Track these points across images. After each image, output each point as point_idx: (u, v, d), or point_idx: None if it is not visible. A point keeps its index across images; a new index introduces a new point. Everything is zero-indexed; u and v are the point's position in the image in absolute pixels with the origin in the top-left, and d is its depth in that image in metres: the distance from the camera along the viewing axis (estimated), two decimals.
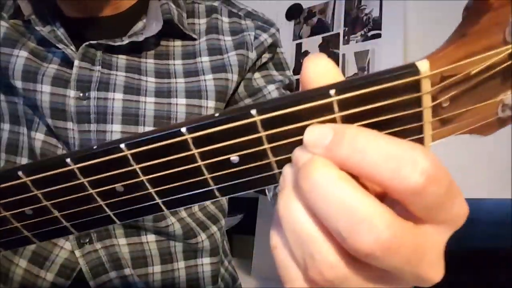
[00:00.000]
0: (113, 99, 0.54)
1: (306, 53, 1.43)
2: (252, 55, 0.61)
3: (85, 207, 0.25)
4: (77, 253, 0.55)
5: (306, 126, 0.21)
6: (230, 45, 0.61)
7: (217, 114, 0.21)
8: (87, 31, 0.58)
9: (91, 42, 0.54)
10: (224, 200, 0.70)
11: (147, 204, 0.25)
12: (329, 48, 1.39)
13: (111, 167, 0.23)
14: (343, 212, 0.18)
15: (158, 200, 0.24)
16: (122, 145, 0.22)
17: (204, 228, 0.64)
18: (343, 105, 0.20)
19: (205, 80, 0.59)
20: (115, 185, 0.24)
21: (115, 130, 0.54)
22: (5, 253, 0.55)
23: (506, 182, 1.07)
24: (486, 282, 1.04)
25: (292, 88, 0.68)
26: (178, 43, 0.61)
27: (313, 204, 0.19)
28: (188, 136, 0.22)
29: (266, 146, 0.22)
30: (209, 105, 0.58)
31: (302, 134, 0.21)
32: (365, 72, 1.30)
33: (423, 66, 0.20)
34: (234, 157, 0.22)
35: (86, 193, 0.24)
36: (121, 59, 0.57)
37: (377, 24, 1.31)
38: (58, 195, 0.25)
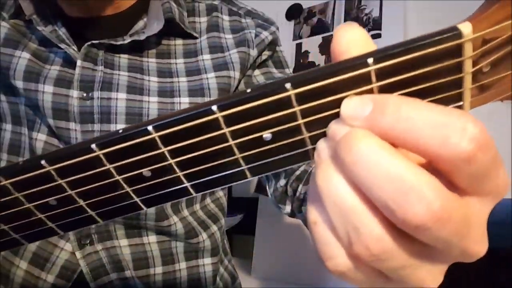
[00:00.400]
0: (117, 99, 0.54)
1: (306, 53, 1.43)
2: (253, 52, 0.62)
3: (111, 195, 0.24)
4: (78, 254, 0.54)
5: (342, 99, 0.20)
6: (231, 43, 0.62)
7: (249, 90, 0.20)
8: (88, 30, 0.58)
9: (93, 41, 0.54)
10: (224, 199, 0.70)
11: (175, 188, 0.24)
12: (329, 48, 1.40)
13: (138, 151, 0.22)
14: (390, 183, 0.17)
15: (187, 184, 0.23)
16: (150, 127, 0.21)
17: (205, 228, 0.64)
18: (381, 74, 0.19)
19: (207, 78, 0.59)
20: (142, 170, 0.23)
21: None
22: (5, 254, 0.55)
23: None
24: (486, 282, 1.04)
25: None
26: (179, 41, 0.61)
27: (356, 176, 0.18)
28: (219, 115, 0.21)
29: (300, 121, 0.21)
30: None
31: (337, 107, 0.20)
32: None
33: (466, 29, 0.18)
34: (266, 135, 0.21)
35: (112, 180, 0.23)
36: (123, 59, 0.57)
37: (377, 24, 1.31)
38: (83, 183, 0.24)
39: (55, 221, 0.26)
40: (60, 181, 0.24)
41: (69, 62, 0.55)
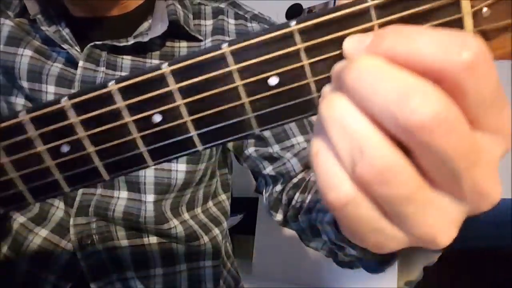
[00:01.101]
0: None
1: None
2: None
3: (120, 141, 0.24)
4: (79, 254, 0.54)
5: (344, 38, 0.20)
6: None
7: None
8: (92, 31, 0.58)
9: (96, 42, 0.54)
10: (226, 202, 0.70)
11: (183, 137, 0.23)
12: None
13: (151, 87, 0.23)
14: (392, 88, 0.17)
15: (194, 133, 0.23)
16: (164, 65, 0.22)
17: (207, 231, 0.63)
18: (380, 10, 0.20)
19: None
20: (153, 112, 0.23)
21: None
22: (7, 253, 0.55)
23: (506, 182, 1.06)
24: (486, 282, 1.04)
25: None
26: (184, 44, 0.60)
27: (358, 92, 0.18)
28: (227, 50, 0.21)
29: (305, 62, 0.21)
30: None
31: (339, 49, 0.20)
32: None
33: None
34: (273, 78, 0.22)
35: (123, 121, 0.23)
36: (126, 60, 0.57)
37: None
38: (95, 124, 0.24)
39: (64, 170, 0.25)
40: (74, 120, 0.24)
41: (72, 62, 0.55)
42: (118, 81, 0.23)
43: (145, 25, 0.59)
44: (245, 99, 0.22)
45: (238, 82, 0.22)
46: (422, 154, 0.18)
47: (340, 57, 0.20)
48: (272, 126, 0.23)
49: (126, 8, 0.58)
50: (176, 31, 0.58)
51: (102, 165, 0.25)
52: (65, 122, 0.24)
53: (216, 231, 0.65)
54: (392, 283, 0.95)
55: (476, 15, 0.20)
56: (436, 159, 0.17)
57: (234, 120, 0.23)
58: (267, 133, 0.60)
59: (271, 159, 0.60)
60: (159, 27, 0.56)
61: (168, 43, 0.59)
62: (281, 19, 1.50)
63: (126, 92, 0.23)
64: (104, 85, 0.23)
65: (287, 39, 0.21)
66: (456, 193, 0.18)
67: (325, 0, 1.45)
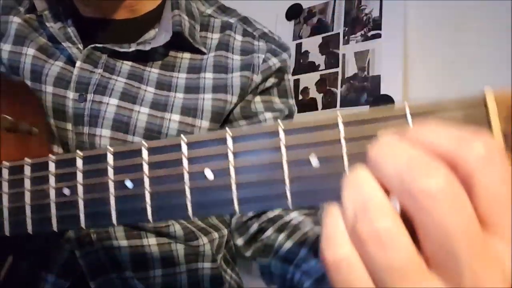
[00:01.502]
0: (108, 103, 0.54)
1: (306, 53, 1.43)
2: (257, 78, 0.60)
3: (172, 188, 0.27)
4: (77, 253, 0.54)
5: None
6: (237, 65, 0.60)
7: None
8: (98, 32, 0.58)
9: (97, 45, 0.54)
10: (227, 215, 0.69)
11: (225, 198, 0.26)
12: (329, 48, 1.39)
13: (211, 145, 0.27)
14: (405, 159, 0.19)
15: (235, 196, 0.25)
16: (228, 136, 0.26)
17: (206, 233, 0.63)
18: (417, 118, 0.23)
19: (203, 98, 0.58)
20: (206, 168, 0.26)
21: (104, 134, 0.54)
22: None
23: None
24: None
25: (292, 118, 0.66)
26: (187, 55, 0.60)
27: (376, 161, 0.20)
28: (281, 126, 0.25)
29: (344, 150, 0.24)
30: (203, 125, 0.58)
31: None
32: (365, 72, 1.30)
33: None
34: (314, 160, 0.24)
35: (180, 171, 0.27)
36: (126, 65, 0.57)
37: (377, 24, 1.31)
38: (160, 167, 0.27)
39: (120, 205, 0.29)
40: (145, 160, 0.27)
41: (72, 61, 0.55)
42: (185, 138, 0.27)
43: (151, 33, 0.59)
44: (286, 175, 0.24)
45: (283, 157, 0.24)
46: (423, 224, 0.18)
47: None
48: (304, 206, 0.24)
49: (135, 13, 0.58)
50: (180, 42, 0.58)
51: (151, 207, 0.27)
52: (136, 161, 0.27)
53: (215, 234, 0.65)
54: None
55: (504, 118, 0.22)
56: (435, 233, 0.17)
57: (273, 192, 0.25)
58: None
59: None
60: (163, 37, 0.56)
61: (172, 53, 0.59)
62: (281, 19, 1.50)
63: (192, 147, 0.27)
64: (177, 138, 0.27)
65: (332, 127, 0.24)
66: (452, 281, 0.18)
67: (325, 0, 1.44)
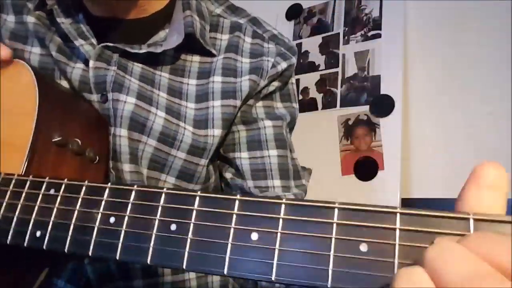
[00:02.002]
0: (125, 102, 0.53)
1: (306, 53, 1.43)
2: (263, 82, 0.59)
3: (215, 240, 0.28)
4: (85, 259, 0.54)
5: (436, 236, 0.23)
6: (246, 68, 0.59)
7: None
8: (107, 31, 0.56)
9: (108, 44, 0.53)
10: None
11: (263, 261, 0.26)
12: (329, 48, 1.39)
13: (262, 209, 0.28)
14: (465, 268, 0.19)
15: (275, 262, 0.26)
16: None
17: None
18: (479, 225, 0.23)
19: (213, 106, 0.57)
20: (253, 229, 0.27)
21: (122, 134, 0.52)
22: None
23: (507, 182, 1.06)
24: None
25: (293, 125, 0.65)
26: (196, 58, 0.58)
27: (435, 266, 0.20)
28: (337, 206, 0.25)
29: (397, 242, 0.23)
30: (215, 134, 0.56)
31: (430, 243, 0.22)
32: (365, 72, 1.30)
33: None
34: (363, 245, 0.24)
35: (227, 225, 0.28)
36: (137, 67, 0.55)
37: (377, 24, 1.31)
38: (209, 216, 0.29)
39: (160, 244, 0.29)
40: (196, 207, 0.29)
41: (87, 62, 0.54)
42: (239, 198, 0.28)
43: (161, 34, 0.58)
44: (332, 253, 0.24)
45: (333, 234, 0.24)
46: None
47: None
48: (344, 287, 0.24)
49: (145, 12, 0.57)
50: (191, 44, 0.56)
51: (187, 254, 0.28)
52: (187, 207, 0.29)
53: None
54: None
55: None
56: None
57: (315, 266, 0.25)
58: (245, 167, 0.58)
59: (244, 192, 0.58)
60: (174, 39, 0.54)
61: (181, 56, 0.58)
62: (281, 19, 1.50)
63: (244, 206, 0.28)
64: (232, 194, 0.28)
65: (389, 216, 0.24)
66: None
67: (325, 0, 1.44)
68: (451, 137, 1.18)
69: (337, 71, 1.35)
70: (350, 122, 1.29)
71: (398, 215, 0.23)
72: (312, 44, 1.43)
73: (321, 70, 1.39)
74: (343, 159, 1.28)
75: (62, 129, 0.46)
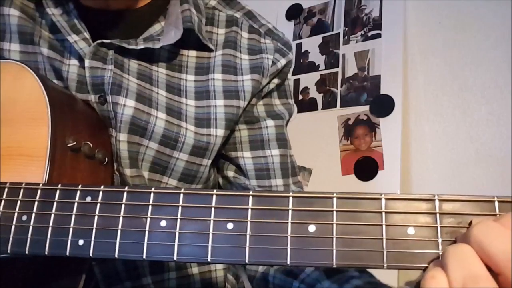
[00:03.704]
0: (124, 105, 0.51)
1: (306, 53, 1.43)
2: (265, 81, 0.58)
3: (272, 234, 0.31)
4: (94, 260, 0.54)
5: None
6: (246, 66, 0.58)
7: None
8: (100, 23, 0.54)
9: (104, 41, 0.50)
10: None
11: (323, 249, 0.29)
12: (329, 48, 1.39)
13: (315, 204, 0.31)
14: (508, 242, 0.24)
15: (334, 248, 0.29)
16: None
17: None
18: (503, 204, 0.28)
19: (215, 106, 0.56)
20: (310, 222, 0.30)
21: (122, 139, 0.51)
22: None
23: (507, 182, 1.06)
24: None
25: (289, 121, 0.65)
26: (193, 53, 0.57)
27: (481, 242, 0.25)
28: (385, 196, 0.29)
29: (439, 224, 0.28)
30: (218, 134, 0.56)
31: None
32: (365, 72, 1.30)
33: None
34: (410, 229, 0.28)
35: (284, 221, 0.30)
36: (133, 63, 0.53)
37: (377, 24, 1.31)
38: (263, 215, 0.31)
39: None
40: (252, 206, 0.31)
41: (82, 59, 0.51)
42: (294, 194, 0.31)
43: (156, 27, 0.55)
44: (384, 237, 0.28)
45: (383, 221, 0.28)
46: None
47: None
48: (400, 267, 0.28)
49: (138, 3, 0.54)
50: (188, 38, 0.54)
51: (249, 248, 0.30)
52: (241, 206, 0.31)
53: None
54: (392, 283, 0.94)
55: None
56: None
57: (370, 249, 0.28)
58: (249, 167, 0.58)
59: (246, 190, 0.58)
60: (173, 34, 0.52)
61: (177, 51, 0.56)
62: (281, 19, 1.50)
63: (298, 202, 0.30)
64: (285, 192, 0.31)
65: (430, 202, 0.28)
66: None
67: (325, 0, 1.44)
68: (451, 137, 1.18)
69: (337, 71, 1.35)
70: (350, 122, 1.29)
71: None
72: (312, 44, 1.43)
73: (321, 70, 1.39)
74: (343, 159, 1.28)
75: (74, 133, 0.45)
